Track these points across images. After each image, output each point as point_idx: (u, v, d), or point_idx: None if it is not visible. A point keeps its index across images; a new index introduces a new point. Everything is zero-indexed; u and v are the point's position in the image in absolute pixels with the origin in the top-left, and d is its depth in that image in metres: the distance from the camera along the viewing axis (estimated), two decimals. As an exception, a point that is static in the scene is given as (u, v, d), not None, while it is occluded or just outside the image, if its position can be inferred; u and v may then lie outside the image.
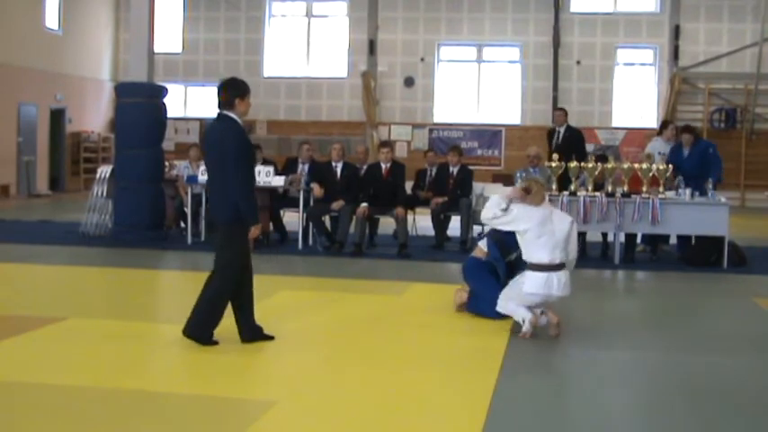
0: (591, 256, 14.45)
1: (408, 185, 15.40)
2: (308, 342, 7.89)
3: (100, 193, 16.38)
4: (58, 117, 29.09)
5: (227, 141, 7.65)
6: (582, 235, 14.61)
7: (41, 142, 28.25)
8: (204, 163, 8.10)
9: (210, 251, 14.21)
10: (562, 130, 15.83)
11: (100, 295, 10.67)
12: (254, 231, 7.77)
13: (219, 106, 7.85)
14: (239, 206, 7.65)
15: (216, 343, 7.77)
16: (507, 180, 18.22)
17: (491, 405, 6.13)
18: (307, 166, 15.15)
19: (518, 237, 8.62)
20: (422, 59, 30.15)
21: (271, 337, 7.99)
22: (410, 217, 15.18)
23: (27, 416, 5.79)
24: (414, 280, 11.89)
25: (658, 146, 15.25)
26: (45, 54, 28.01)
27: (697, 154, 14.66)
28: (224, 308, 7.85)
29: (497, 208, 8.61)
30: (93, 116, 30.99)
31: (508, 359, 7.53)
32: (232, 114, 7.78)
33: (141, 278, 12.19)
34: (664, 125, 15.87)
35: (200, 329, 7.76)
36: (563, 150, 14.49)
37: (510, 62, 30.24)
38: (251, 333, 7.93)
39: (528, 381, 7.03)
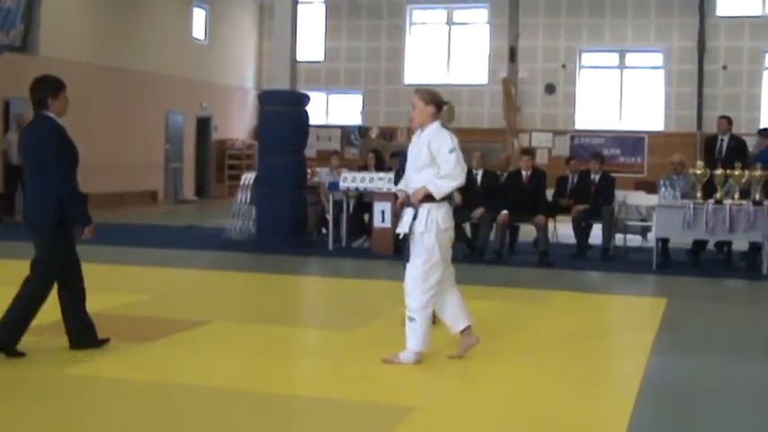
0: (738, 266, 14.09)
1: (549, 193, 15.27)
2: (445, 349, 7.88)
3: (244, 200, 16.68)
4: (203, 125, 29.77)
5: (45, 142, 7.24)
6: (728, 244, 14.28)
7: (188, 150, 28.97)
8: (23, 165, 7.53)
9: (350, 256, 14.43)
10: (726, 138, 15.28)
11: (243, 300, 10.86)
12: (89, 231, 7.37)
13: (34, 106, 7.41)
14: (66, 208, 7.22)
15: (23, 354, 7.26)
16: (650, 187, 17.85)
17: (630, 424, 6.00)
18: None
19: (459, 164, 7.36)
20: (563, 66, 29.88)
21: (105, 341, 7.64)
22: (551, 225, 15.03)
23: (170, 415, 5.93)
24: (554, 288, 11.78)
25: None
26: (192, 63, 28.71)
27: None
28: (34, 315, 7.31)
29: (447, 149, 7.33)
30: (238, 124, 31.62)
31: (649, 374, 7.36)
32: (49, 113, 7.35)
33: (283, 283, 12.39)
34: None
35: (7, 335, 7.24)
36: (726, 161, 14.12)
37: (653, 68, 29.72)
38: (79, 339, 7.55)
39: (670, 398, 6.86)
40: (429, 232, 7.32)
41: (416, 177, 7.45)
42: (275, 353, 7.85)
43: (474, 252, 14.41)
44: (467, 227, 14.96)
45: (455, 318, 7.65)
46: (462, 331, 7.64)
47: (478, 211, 14.31)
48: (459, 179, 7.36)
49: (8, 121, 20.68)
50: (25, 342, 7.29)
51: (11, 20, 20.05)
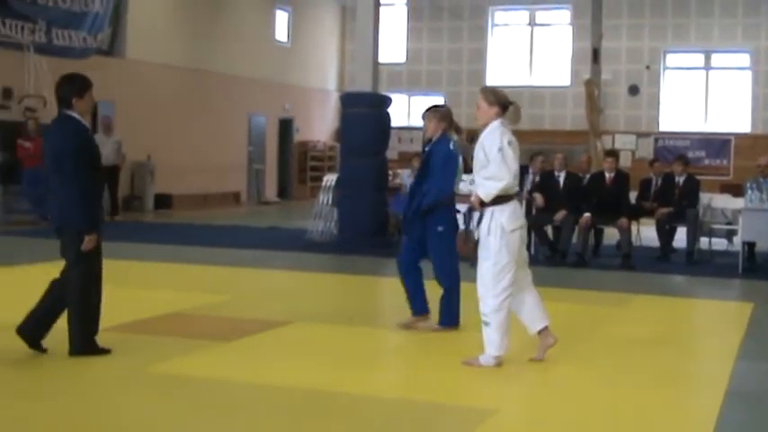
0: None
1: (632, 195, 15.10)
2: (527, 353, 7.82)
3: (326, 201, 16.75)
4: (286, 127, 29.99)
5: (65, 142, 7.08)
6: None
7: (270, 151, 29.21)
8: (46, 166, 7.34)
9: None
10: None
11: (324, 300, 10.91)
12: (88, 243, 7.08)
13: (59, 105, 7.24)
14: (76, 212, 7.06)
15: (108, 351, 7.27)
16: (736, 190, 17.57)
17: (716, 430, 5.88)
18: (538, 177, 14.98)
19: (504, 164, 7.12)
20: (647, 67, 29.54)
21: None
22: (634, 227, 14.87)
23: (250, 415, 5.97)
24: (637, 292, 11.65)
25: None
26: (274, 66, 28.95)
27: None
28: (93, 313, 7.21)
29: (496, 148, 7.10)
30: (320, 126, 31.80)
31: (735, 379, 7.22)
32: (73, 113, 7.18)
33: (364, 284, 12.42)
34: None
35: (85, 343, 7.19)
36: None
37: (740, 68, 29.25)
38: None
39: (757, 403, 6.72)
40: (493, 235, 7.16)
41: (476, 178, 7.36)
42: (356, 354, 7.87)
43: (556, 254, 14.29)
44: (549, 229, 14.86)
45: (531, 318, 7.55)
46: (540, 332, 7.55)
47: (560, 214, 14.20)
48: (504, 180, 7.10)
49: (96, 123, 21.04)
50: (110, 339, 7.41)
51: (99, 23, 20.43)
